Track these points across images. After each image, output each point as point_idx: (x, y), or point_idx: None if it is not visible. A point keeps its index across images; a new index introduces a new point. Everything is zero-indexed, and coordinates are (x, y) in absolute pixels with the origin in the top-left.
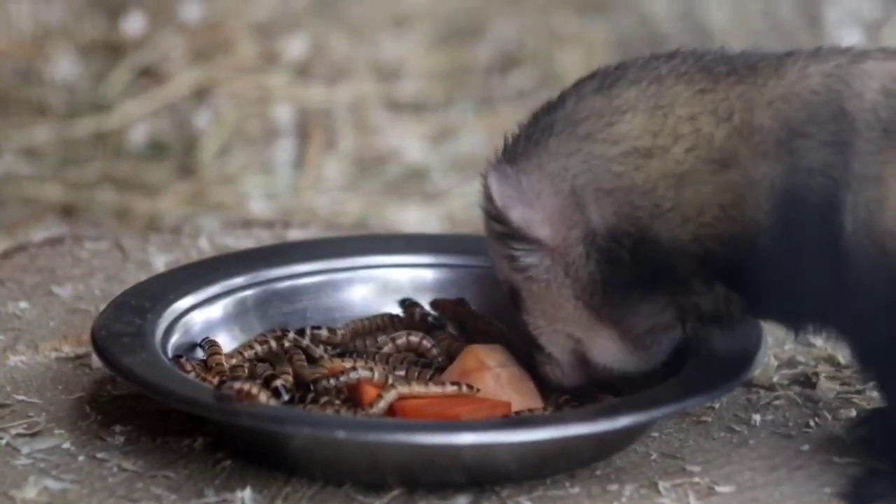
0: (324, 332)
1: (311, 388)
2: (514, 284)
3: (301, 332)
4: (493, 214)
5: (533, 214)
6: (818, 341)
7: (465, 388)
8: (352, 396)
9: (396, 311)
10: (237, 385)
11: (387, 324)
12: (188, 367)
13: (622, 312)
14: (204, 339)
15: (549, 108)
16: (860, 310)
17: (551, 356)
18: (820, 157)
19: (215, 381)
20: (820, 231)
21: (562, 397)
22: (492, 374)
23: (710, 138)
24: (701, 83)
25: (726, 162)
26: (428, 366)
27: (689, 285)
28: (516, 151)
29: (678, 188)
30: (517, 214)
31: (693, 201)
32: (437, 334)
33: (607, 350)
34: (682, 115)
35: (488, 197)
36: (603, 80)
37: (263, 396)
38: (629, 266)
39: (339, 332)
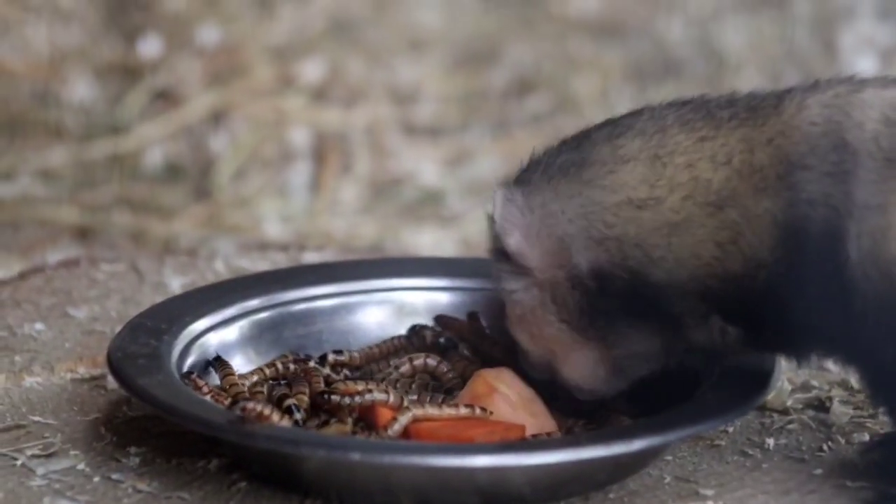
0: (341, 357)
1: (327, 408)
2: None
3: (322, 358)
4: (491, 230)
5: (528, 245)
6: (831, 366)
7: (478, 411)
8: (366, 418)
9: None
10: (250, 405)
11: (400, 347)
12: (200, 384)
13: (607, 337)
14: (214, 359)
15: (570, 146)
16: (867, 338)
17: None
18: (821, 188)
19: (228, 401)
20: (824, 262)
21: (576, 420)
22: (503, 397)
23: (707, 184)
24: (702, 130)
25: (722, 203)
26: (440, 389)
27: (682, 319)
28: (529, 180)
29: (670, 237)
30: (514, 241)
31: (686, 245)
32: (451, 355)
33: (584, 371)
34: (680, 164)
35: (491, 212)
36: (614, 128)
37: (276, 417)
38: (619, 300)
39: (355, 356)
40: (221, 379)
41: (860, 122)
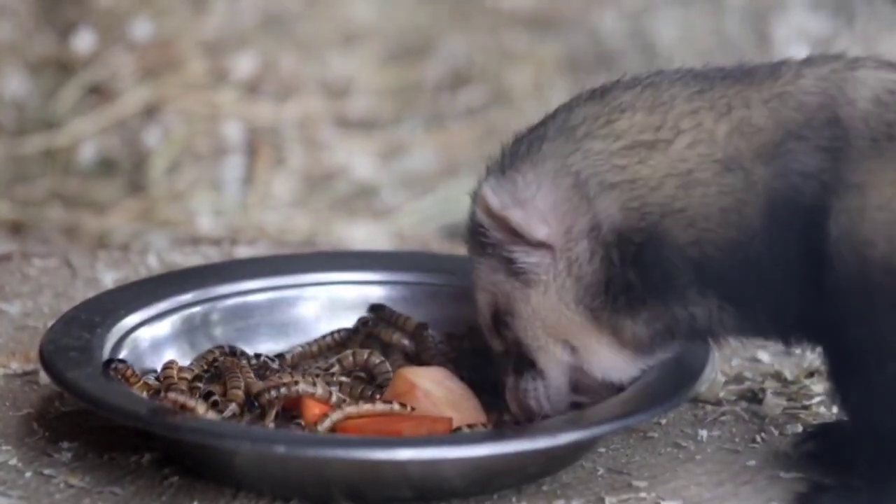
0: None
1: (255, 401)
2: (505, 300)
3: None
4: (488, 224)
5: (529, 214)
6: (765, 357)
7: (396, 406)
8: (294, 410)
9: (347, 325)
10: (172, 396)
11: (333, 344)
12: (127, 371)
13: (622, 318)
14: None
15: (536, 126)
16: (834, 317)
17: (543, 378)
18: (814, 161)
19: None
20: (808, 235)
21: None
22: (423, 393)
23: (711, 134)
24: (698, 85)
25: (729, 164)
26: (369, 382)
27: (686, 294)
28: (503, 164)
29: (687, 188)
30: (516, 216)
31: (701, 204)
32: (392, 352)
33: (607, 359)
34: (684, 110)
35: (484, 209)
36: (593, 91)
37: (202, 409)
38: (631, 268)
39: (288, 357)
40: (161, 375)
41: (853, 100)
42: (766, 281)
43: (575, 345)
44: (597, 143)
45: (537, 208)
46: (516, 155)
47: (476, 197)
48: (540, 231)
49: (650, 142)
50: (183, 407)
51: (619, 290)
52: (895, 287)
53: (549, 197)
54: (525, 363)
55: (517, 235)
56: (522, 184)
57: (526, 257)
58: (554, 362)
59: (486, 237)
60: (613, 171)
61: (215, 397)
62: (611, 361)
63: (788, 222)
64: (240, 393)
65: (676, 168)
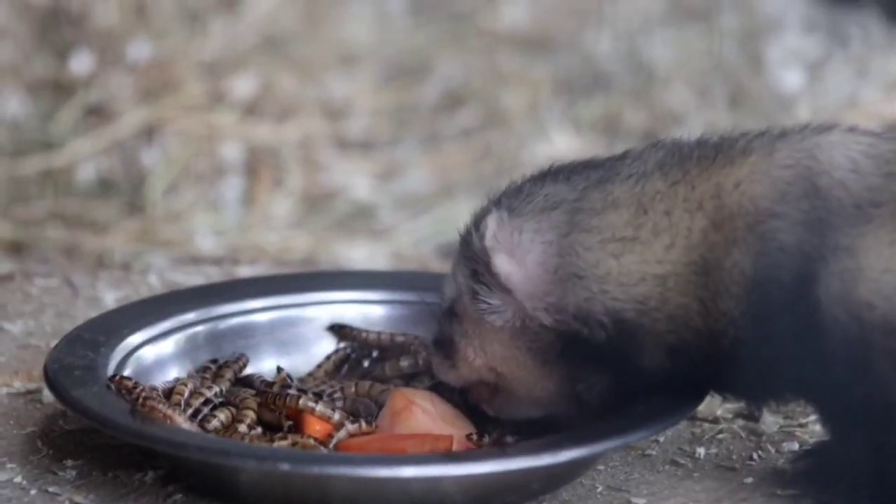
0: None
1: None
2: (461, 306)
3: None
4: (478, 248)
5: (516, 270)
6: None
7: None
8: (295, 423)
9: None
10: (151, 403)
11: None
12: (129, 384)
13: (567, 372)
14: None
15: (556, 179)
16: (834, 379)
17: (453, 368)
18: (794, 235)
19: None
20: (793, 308)
21: (503, 431)
22: (421, 409)
23: (687, 234)
24: (674, 176)
25: (704, 261)
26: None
27: (648, 369)
28: (519, 208)
29: (664, 288)
30: (501, 261)
31: (678, 303)
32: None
33: (530, 393)
34: (659, 210)
35: (480, 233)
36: (605, 172)
37: (180, 419)
38: (590, 346)
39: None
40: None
41: (828, 169)
42: (744, 361)
43: (507, 373)
44: (582, 236)
45: (522, 269)
46: (530, 207)
47: (480, 217)
48: (515, 287)
49: (629, 238)
50: (162, 415)
51: (570, 356)
52: None
53: (534, 268)
54: (447, 349)
55: (493, 276)
56: (520, 242)
57: (490, 297)
58: (469, 370)
59: (470, 253)
60: (584, 264)
61: (198, 403)
62: (535, 399)
63: (769, 299)
64: (253, 414)
65: (655, 269)
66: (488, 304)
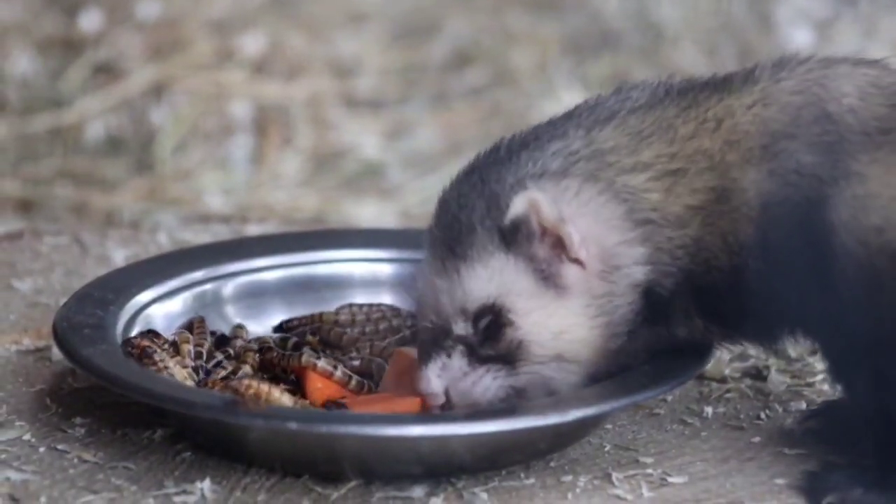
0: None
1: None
2: (513, 299)
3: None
4: (536, 229)
5: (586, 233)
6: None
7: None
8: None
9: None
10: (152, 354)
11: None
12: (143, 343)
13: (619, 333)
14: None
15: (558, 129)
16: (840, 307)
17: (508, 376)
18: (808, 157)
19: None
20: (806, 231)
21: None
22: None
23: (710, 156)
24: (684, 100)
25: (725, 187)
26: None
27: (673, 319)
28: (547, 172)
29: (700, 222)
30: (571, 232)
31: (711, 234)
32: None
33: (578, 376)
34: (684, 136)
35: (536, 215)
36: (595, 114)
37: (172, 364)
38: (652, 298)
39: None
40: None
41: (838, 96)
42: (759, 294)
43: (569, 359)
44: (632, 178)
45: (580, 227)
46: (553, 161)
47: (510, 191)
48: (582, 252)
49: (673, 171)
50: (153, 363)
51: (633, 316)
52: None
53: (591, 220)
54: (496, 357)
55: (559, 247)
56: (569, 199)
57: (559, 269)
58: (537, 367)
59: (520, 236)
60: (651, 208)
61: (189, 346)
62: (592, 362)
63: (783, 221)
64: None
65: (691, 200)
66: (559, 275)
